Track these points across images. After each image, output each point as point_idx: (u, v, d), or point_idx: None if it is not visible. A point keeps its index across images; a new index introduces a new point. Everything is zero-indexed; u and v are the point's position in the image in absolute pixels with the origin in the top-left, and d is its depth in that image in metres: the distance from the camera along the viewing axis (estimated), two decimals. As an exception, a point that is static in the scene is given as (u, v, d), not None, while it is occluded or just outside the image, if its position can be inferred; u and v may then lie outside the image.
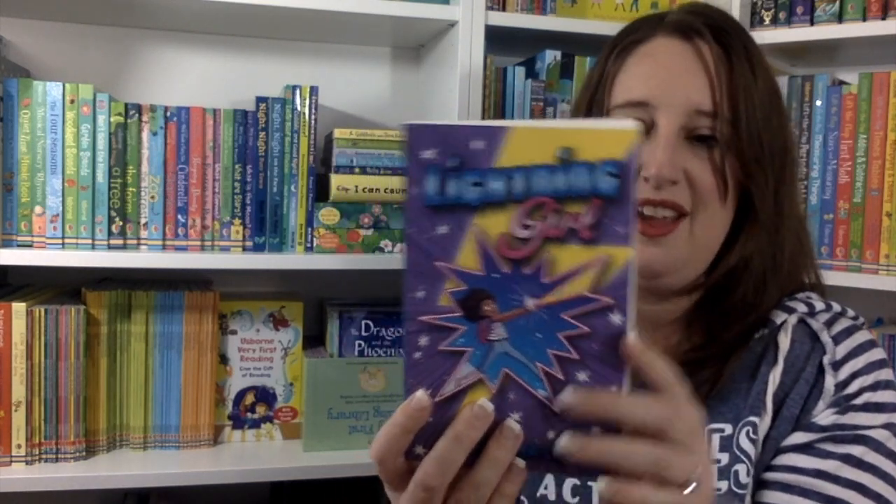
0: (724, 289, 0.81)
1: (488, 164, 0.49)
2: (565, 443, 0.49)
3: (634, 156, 0.48)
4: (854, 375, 0.75)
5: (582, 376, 0.50)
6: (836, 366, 0.76)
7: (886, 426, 0.73)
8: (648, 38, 0.81)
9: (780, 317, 0.79)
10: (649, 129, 0.77)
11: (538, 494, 0.79)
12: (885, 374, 0.76)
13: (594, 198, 0.49)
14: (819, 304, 0.81)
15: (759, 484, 0.75)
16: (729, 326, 0.79)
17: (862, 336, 0.79)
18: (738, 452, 0.75)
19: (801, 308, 0.80)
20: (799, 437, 0.74)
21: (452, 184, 0.50)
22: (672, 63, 0.79)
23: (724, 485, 0.75)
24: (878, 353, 0.78)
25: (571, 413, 0.49)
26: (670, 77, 0.78)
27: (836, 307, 0.81)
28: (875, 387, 0.75)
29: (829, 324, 0.79)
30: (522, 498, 0.79)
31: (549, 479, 0.79)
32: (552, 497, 0.78)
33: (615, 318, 0.49)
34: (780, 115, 0.81)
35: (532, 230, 0.49)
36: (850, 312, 0.82)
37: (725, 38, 0.79)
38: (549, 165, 0.49)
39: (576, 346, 0.50)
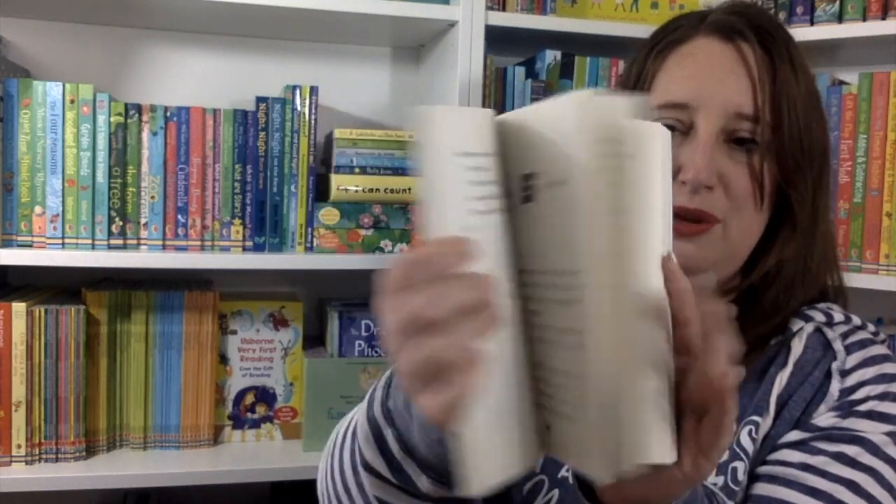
0: (754, 291, 0.80)
1: None
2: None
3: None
4: (862, 384, 0.75)
5: None
6: (845, 373, 0.75)
7: (889, 434, 0.72)
8: (689, 38, 0.80)
9: (797, 324, 0.79)
10: (688, 130, 0.77)
11: (559, 476, 0.78)
12: None
13: None
14: (838, 316, 0.80)
15: (750, 479, 0.75)
16: (753, 329, 0.78)
17: (877, 349, 0.78)
18: (737, 450, 0.75)
19: (820, 318, 0.79)
20: (794, 435, 0.74)
21: None
22: (713, 64, 0.78)
23: (720, 480, 0.74)
24: (891, 368, 0.76)
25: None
26: (711, 79, 0.77)
27: (856, 320, 0.81)
28: (883, 397, 0.73)
29: (844, 335, 0.79)
30: (543, 477, 0.78)
31: None
32: (572, 480, 0.78)
33: None
34: (821, 119, 0.80)
35: None
36: (871, 327, 0.81)
37: (768, 39, 0.78)
38: None
39: None
